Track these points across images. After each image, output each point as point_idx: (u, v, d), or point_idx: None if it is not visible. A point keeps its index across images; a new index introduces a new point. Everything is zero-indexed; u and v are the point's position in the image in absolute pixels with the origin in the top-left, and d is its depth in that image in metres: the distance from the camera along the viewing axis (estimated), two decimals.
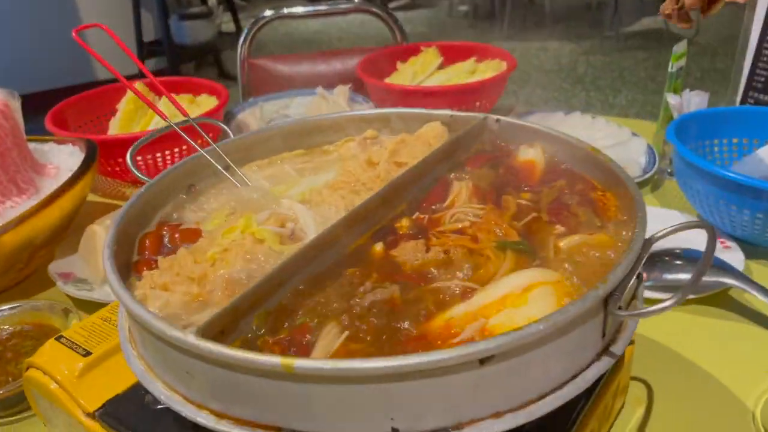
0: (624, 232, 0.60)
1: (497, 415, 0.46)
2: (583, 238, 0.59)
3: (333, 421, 0.45)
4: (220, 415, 0.48)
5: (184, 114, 0.80)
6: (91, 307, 0.97)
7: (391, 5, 7.40)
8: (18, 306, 0.92)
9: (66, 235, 1.10)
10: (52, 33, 4.74)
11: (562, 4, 6.71)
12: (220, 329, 0.50)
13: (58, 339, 0.73)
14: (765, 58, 1.23)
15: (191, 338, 0.46)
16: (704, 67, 4.74)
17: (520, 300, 0.51)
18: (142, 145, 0.75)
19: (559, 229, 0.61)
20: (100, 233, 1.01)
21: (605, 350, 0.52)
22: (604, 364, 0.50)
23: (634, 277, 0.52)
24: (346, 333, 0.49)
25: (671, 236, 0.86)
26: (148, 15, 5.27)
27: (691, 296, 0.91)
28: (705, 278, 0.90)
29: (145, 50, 5.10)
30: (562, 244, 0.58)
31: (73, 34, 0.73)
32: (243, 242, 0.60)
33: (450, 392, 0.44)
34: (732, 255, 0.97)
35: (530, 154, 0.74)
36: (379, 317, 0.51)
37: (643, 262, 0.53)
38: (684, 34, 5.15)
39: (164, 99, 1.30)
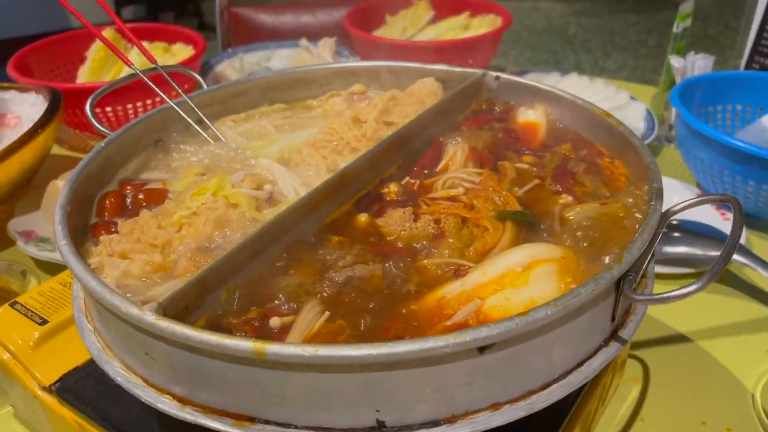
0: (633, 202, 0.55)
1: (495, 407, 0.41)
2: (592, 208, 0.53)
3: (311, 413, 0.40)
4: (183, 401, 0.43)
5: (152, 61, 0.72)
6: (53, 268, 0.90)
7: None
8: None
9: (28, 190, 1.03)
10: None
11: None
12: (183, 305, 0.44)
13: (12, 305, 0.67)
14: None
15: (150, 316, 0.40)
16: (696, 32, 4.66)
17: (520, 279, 0.45)
18: (103, 94, 0.68)
19: (566, 198, 0.56)
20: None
21: (614, 335, 0.47)
22: (613, 350, 0.46)
23: (650, 256, 0.47)
24: (327, 314, 0.44)
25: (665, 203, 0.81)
26: None
27: (690, 270, 0.86)
28: (706, 252, 0.86)
29: None
30: (570, 215, 0.53)
31: None
32: (214, 206, 0.54)
33: (443, 382, 0.39)
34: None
35: (532, 116, 0.68)
36: (362, 296, 0.46)
37: (659, 238, 0.47)
38: None
39: (137, 49, 1.21)
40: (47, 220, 0.97)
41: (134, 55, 1.26)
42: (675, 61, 1.13)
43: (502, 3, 1.49)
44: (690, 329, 0.80)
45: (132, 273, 0.49)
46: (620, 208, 0.53)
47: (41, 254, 0.90)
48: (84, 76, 1.32)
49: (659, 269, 0.85)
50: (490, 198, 0.55)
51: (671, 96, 0.99)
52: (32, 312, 0.65)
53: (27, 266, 0.84)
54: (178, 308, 0.43)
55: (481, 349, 0.38)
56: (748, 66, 1.24)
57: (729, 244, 0.44)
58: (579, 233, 0.50)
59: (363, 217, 0.54)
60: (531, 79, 0.68)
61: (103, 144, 0.60)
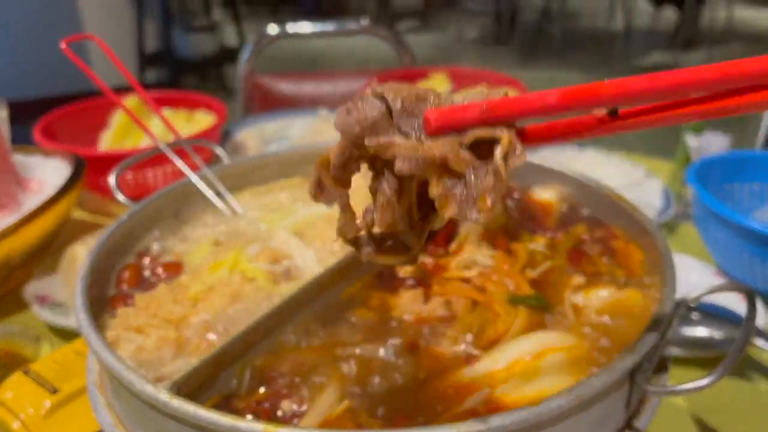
0: (648, 289, 0.55)
1: None
2: (606, 294, 0.53)
3: None
4: None
5: (176, 135, 0.74)
6: (66, 333, 0.91)
7: (399, 28, 7.41)
8: None
9: (46, 254, 1.04)
10: (52, 39, 4.71)
11: (571, 34, 6.72)
12: (197, 384, 0.44)
13: (26, 372, 0.67)
14: None
15: (163, 395, 0.40)
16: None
17: (531, 368, 0.45)
18: (127, 167, 0.70)
19: (579, 281, 0.56)
20: (82, 254, 0.95)
21: (628, 424, 0.46)
22: None
23: (664, 341, 0.46)
24: (346, 402, 0.44)
25: (682, 282, 0.81)
26: (151, 26, 5.24)
27: (708, 353, 0.85)
28: (724, 334, 0.85)
29: (145, 62, 5.07)
30: (583, 300, 0.53)
31: (63, 45, 0.68)
32: (230, 281, 0.54)
33: None
34: None
35: (545, 195, 0.68)
36: (372, 379, 0.46)
37: (673, 327, 0.47)
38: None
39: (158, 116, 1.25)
40: (64, 284, 0.98)
41: (156, 123, 1.29)
42: (691, 141, 1.14)
43: (519, 73, 1.52)
44: (705, 414, 0.78)
45: (147, 348, 0.49)
46: (634, 295, 0.53)
47: (55, 319, 0.90)
48: (106, 141, 1.36)
49: (678, 352, 0.83)
50: (502, 282, 0.55)
51: (688, 175, 1.00)
52: (45, 380, 0.65)
53: (40, 331, 0.85)
54: (192, 387, 0.43)
55: None
56: (765, 145, 1.25)
57: (742, 337, 0.43)
58: (592, 320, 0.49)
59: (375, 296, 0.55)
60: (549, 152, 0.68)
61: (125, 217, 0.61)
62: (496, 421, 0.37)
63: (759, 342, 0.81)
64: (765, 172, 1.09)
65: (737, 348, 0.43)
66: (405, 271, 0.58)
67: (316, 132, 1.40)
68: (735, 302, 0.92)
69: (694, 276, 0.98)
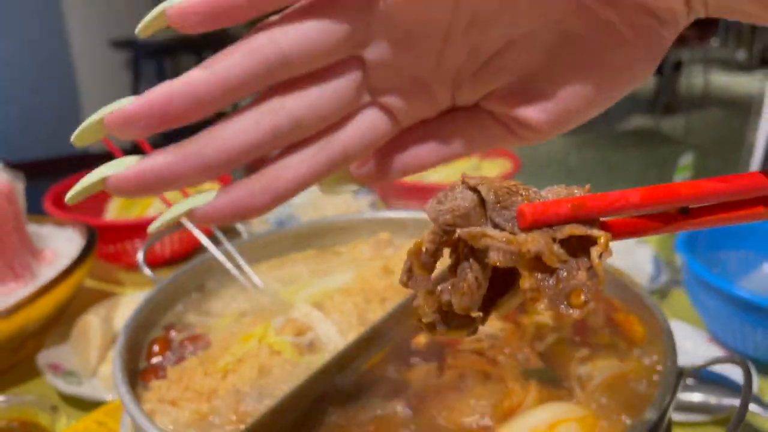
0: (649, 360, 0.58)
1: None
2: (610, 366, 0.56)
3: None
4: None
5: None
6: (78, 402, 0.92)
7: None
8: (5, 401, 0.87)
9: (58, 323, 1.06)
10: (49, 103, 4.81)
11: None
12: None
13: None
14: None
15: None
16: (696, 165, 4.83)
17: None
18: (153, 243, 0.73)
19: (583, 353, 0.59)
20: (95, 324, 0.98)
21: None
22: None
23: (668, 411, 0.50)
24: None
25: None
26: (148, 87, 5.35)
27: (704, 418, 0.88)
28: (719, 400, 0.88)
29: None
30: (589, 371, 0.56)
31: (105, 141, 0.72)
32: (258, 353, 0.58)
33: None
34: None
35: None
36: None
37: (676, 396, 0.51)
38: (673, 135, 5.31)
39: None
40: (75, 353, 1.00)
41: (168, 193, 1.34)
42: None
43: None
44: None
45: (181, 421, 0.52)
46: (637, 366, 0.56)
47: (68, 388, 0.92)
48: (114, 210, 1.39)
49: (675, 416, 0.87)
50: (513, 354, 0.58)
51: (678, 244, 1.05)
52: None
53: (55, 399, 0.87)
54: None
55: None
56: None
57: (740, 410, 0.47)
58: (598, 391, 0.53)
59: (392, 370, 0.58)
60: None
61: (154, 292, 0.65)
62: None
63: (752, 407, 0.84)
64: (751, 240, 1.15)
65: (736, 420, 0.47)
66: (418, 344, 0.62)
67: (317, 200, 1.45)
68: (728, 368, 0.96)
69: (688, 343, 1.01)
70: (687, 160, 1.24)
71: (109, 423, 0.72)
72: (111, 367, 0.92)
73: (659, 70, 6.36)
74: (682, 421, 0.87)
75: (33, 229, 1.14)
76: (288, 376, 0.57)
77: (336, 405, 0.54)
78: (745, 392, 0.49)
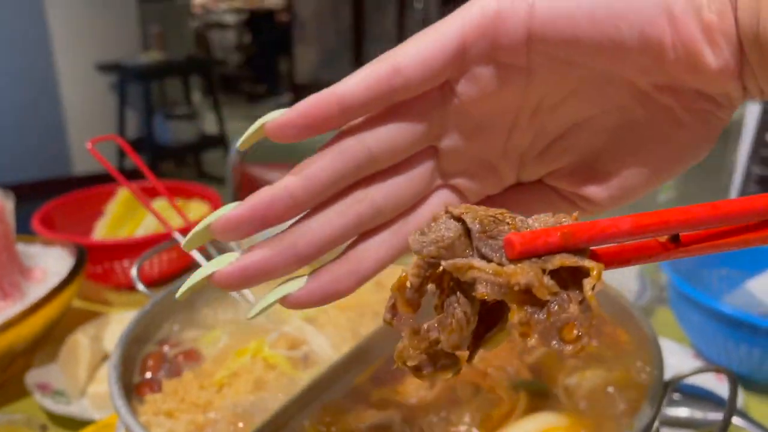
0: (639, 368, 0.60)
1: None
2: (597, 375, 0.58)
3: None
4: None
5: (188, 224, 0.79)
6: (66, 422, 0.91)
7: None
8: None
9: (46, 342, 1.06)
10: (35, 126, 4.79)
11: None
12: None
13: None
14: (752, 189, 1.28)
15: None
16: (688, 193, 4.90)
17: None
18: (147, 258, 0.74)
19: (571, 364, 0.60)
20: (84, 344, 0.98)
21: None
22: None
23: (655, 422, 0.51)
24: None
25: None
26: (133, 114, 5.37)
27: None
28: (704, 415, 0.89)
29: (125, 154, 5.15)
30: (576, 382, 0.57)
31: (89, 145, 0.73)
32: (253, 367, 0.58)
33: None
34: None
35: None
36: None
37: (663, 406, 0.52)
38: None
39: (155, 202, 1.29)
40: (64, 372, 1.00)
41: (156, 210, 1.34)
42: None
43: None
44: None
45: (177, 431, 0.52)
46: (624, 377, 0.58)
47: (57, 408, 0.92)
48: (102, 229, 1.40)
49: (662, 431, 0.88)
50: (503, 367, 0.59)
51: (662, 262, 1.07)
52: None
53: (43, 419, 0.86)
54: None
55: None
56: None
57: (725, 417, 0.48)
58: (585, 400, 0.54)
59: (384, 384, 0.59)
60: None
61: (148, 307, 0.65)
62: None
63: (736, 421, 0.86)
64: (732, 258, 1.17)
65: (721, 428, 0.48)
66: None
67: None
68: (713, 383, 0.97)
69: (673, 359, 1.03)
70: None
71: None
72: (100, 387, 0.92)
73: None
74: None
75: (21, 248, 1.14)
76: (283, 389, 0.57)
77: (331, 417, 0.54)
78: (731, 401, 0.50)
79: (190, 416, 0.54)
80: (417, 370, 0.30)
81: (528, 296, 0.27)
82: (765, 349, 0.93)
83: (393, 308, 0.30)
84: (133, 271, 0.70)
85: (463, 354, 0.29)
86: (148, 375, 0.61)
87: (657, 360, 0.55)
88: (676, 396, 0.93)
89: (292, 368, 0.59)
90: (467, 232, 0.29)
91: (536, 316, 0.27)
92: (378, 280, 0.73)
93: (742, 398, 0.95)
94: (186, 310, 0.71)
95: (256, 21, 9.33)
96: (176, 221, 1.37)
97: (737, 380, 0.52)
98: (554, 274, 0.27)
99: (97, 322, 1.05)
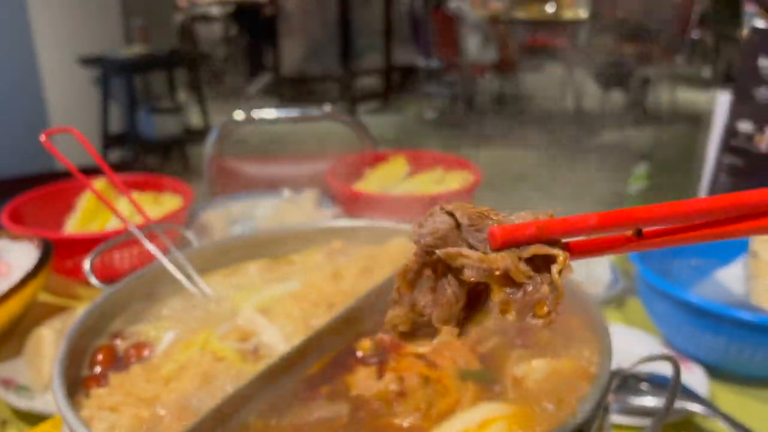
0: (589, 357, 0.59)
1: None
2: (544, 364, 0.57)
3: None
4: None
5: (146, 219, 0.78)
6: (31, 417, 0.91)
7: (361, 109, 7.64)
8: None
9: (11, 337, 1.05)
10: (16, 121, 4.75)
11: (525, 116, 7.01)
12: None
13: None
14: (721, 183, 1.29)
15: None
16: (661, 183, 4.93)
17: None
18: (100, 252, 0.73)
19: (521, 354, 0.60)
20: (48, 337, 0.97)
21: None
22: None
23: (602, 409, 0.51)
24: None
25: (631, 353, 0.87)
26: (116, 107, 5.33)
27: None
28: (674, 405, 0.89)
29: (109, 142, 5.12)
30: (524, 371, 0.57)
31: (42, 138, 0.72)
32: (201, 360, 0.58)
33: None
34: (696, 377, 0.96)
35: None
36: None
37: (609, 393, 0.52)
38: (640, 150, 5.39)
39: (126, 199, 1.28)
40: (28, 367, 0.99)
41: (122, 204, 1.33)
42: None
43: (476, 152, 1.61)
44: None
45: (120, 426, 0.52)
46: (571, 364, 0.57)
47: (20, 403, 0.91)
48: (73, 224, 1.38)
49: (625, 420, 0.88)
50: (453, 357, 0.59)
51: (632, 254, 1.07)
52: None
53: (5, 414, 0.85)
54: None
55: None
56: None
57: (667, 401, 0.48)
58: (532, 389, 0.54)
59: (334, 375, 0.58)
60: None
61: (99, 299, 0.64)
62: None
63: (701, 410, 0.86)
64: (703, 248, 1.17)
65: (663, 411, 0.48)
66: (363, 348, 0.62)
67: (282, 212, 1.45)
68: (683, 373, 0.98)
69: (640, 347, 1.03)
70: (642, 169, 1.27)
71: None
72: None
73: (626, 87, 6.49)
74: (635, 425, 0.88)
75: None
76: (232, 382, 0.56)
77: (280, 408, 0.54)
78: (673, 386, 0.50)
79: (135, 410, 0.53)
80: (405, 336, 0.38)
81: (507, 279, 0.33)
82: (730, 338, 0.93)
83: (398, 291, 0.37)
84: (86, 264, 0.70)
85: (448, 328, 0.35)
86: (97, 369, 0.60)
87: (606, 349, 0.55)
88: (643, 386, 0.93)
89: (242, 361, 0.58)
90: (458, 225, 0.35)
91: (514, 296, 0.33)
92: (336, 272, 0.72)
93: (709, 388, 0.95)
94: (140, 303, 0.70)
95: (242, 14, 9.27)
96: (152, 213, 1.37)
97: (680, 367, 0.52)
98: (529, 261, 0.33)
99: (63, 316, 1.04)
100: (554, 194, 4.79)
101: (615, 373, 0.53)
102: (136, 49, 5.27)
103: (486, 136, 6.33)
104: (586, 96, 7.01)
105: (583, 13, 7.25)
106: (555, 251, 0.33)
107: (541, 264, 0.33)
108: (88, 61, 5.10)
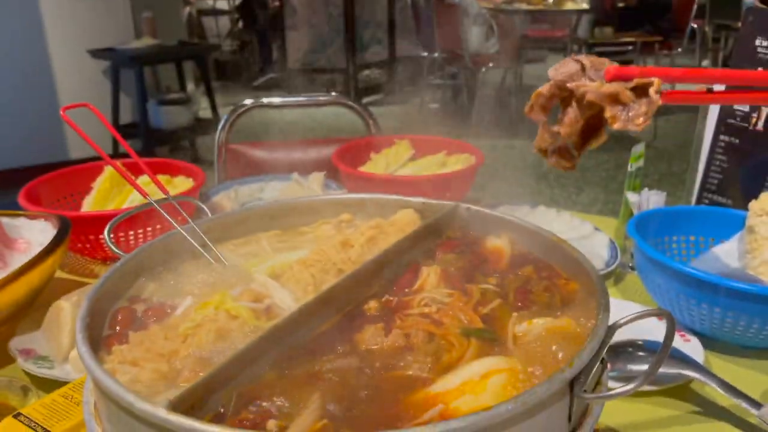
0: (586, 319, 0.62)
1: None
2: (545, 322, 0.60)
3: None
4: None
5: (165, 192, 0.81)
6: (50, 384, 0.94)
7: (365, 100, 7.67)
8: None
9: (30, 311, 1.08)
10: (30, 113, 4.80)
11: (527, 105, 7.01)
12: (190, 404, 0.50)
13: (16, 416, 0.71)
14: (717, 162, 1.31)
15: (161, 411, 0.46)
16: (662, 170, 4.95)
17: (479, 387, 0.52)
18: (121, 220, 0.77)
19: (522, 314, 0.63)
20: (67, 309, 1.00)
21: None
22: None
23: (599, 362, 0.54)
24: (324, 420, 0.50)
25: (634, 328, 0.90)
26: (127, 99, 5.38)
27: (654, 388, 0.92)
28: (667, 370, 0.92)
29: (121, 132, 5.16)
30: (524, 329, 0.60)
31: (62, 112, 0.75)
32: (216, 318, 0.61)
33: None
34: (692, 348, 0.99)
35: (498, 242, 0.76)
36: (346, 403, 0.52)
37: (606, 347, 0.55)
38: (642, 137, 5.40)
39: (141, 178, 1.32)
40: (47, 338, 1.02)
41: (141, 184, 1.37)
42: (631, 197, 1.25)
43: (479, 141, 1.64)
44: None
45: (141, 379, 0.55)
46: (570, 322, 0.60)
47: (40, 371, 0.95)
48: (89, 205, 1.42)
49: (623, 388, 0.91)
50: (457, 317, 0.62)
51: (628, 227, 1.10)
52: (35, 423, 0.70)
53: (26, 382, 0.89)
54: (185, 407, 0.49)
55: None
56: (698, 201, 1.37)
57: (661, 349, 0.51)
58: (532, 345, 0.57)
59: (344, 332, 0.61)
60: (503, 211, 0.77)
61: (118, 264, 0.68)
62: (454, 424, 0.44)
63: (692, 373, 0.89)
64: (698, 225, 1.20)
65: (657, 359, 0.51)
66: (370, 309, 0.65)
67: (289, 194, 1.48)
68: (678, 343, 1.01)
69: (639, 320, 1.06)
70: (639, 149, 1.30)
71: (75, 396, 0.74)
72: None
73: None
74: (637, 390, 0.91)
75: (6, 221, 1.16)
76: (246, 338, 0.60)
77: (293, 361, 0.57)
78: (667, 338, 0.53)
79: (155, 365, 0.56)
80: (545, 153, 0.58)
81: (616, 101, 0.47)
82: (725, 308, 0.96)
83: (531, 107, 0.53)
84: (106, 232, 0.73)
85: (578, 153, 0.54)
86: (117, 329, 0.63)
87: (603, 305, 0.57)
88: (641, 353, 0.96)
89: (255, 319, 0.61)
90: (582, 68, 0.48)
91: (620, 113, 0.47)
92: (345, 240, 0.75)
93: (704, 357, 0.98)
94: (158, 269, 0.73)
95: (250, 6, 9.30)
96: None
97: (674, 321, 0.55)
98: (633, 90, 0.47)
99: (81, 291, 1.07)
100: (556, 182, 4.81)
101: (611, 328, 0.56)
102: (146, 42, 5.31)
103: (488, 126, 6.35)
104: None
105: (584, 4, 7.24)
106: (652, 79, 0.46)
107: (641, 93, 0.46)
108: (99, 53, 5.15)
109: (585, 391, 0.51)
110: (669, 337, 0.53)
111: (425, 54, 7.09)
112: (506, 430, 0.47)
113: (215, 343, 0.59)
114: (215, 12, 10.27)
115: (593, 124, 0.50)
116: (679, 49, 6.57)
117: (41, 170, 1.48)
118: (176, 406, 0.48)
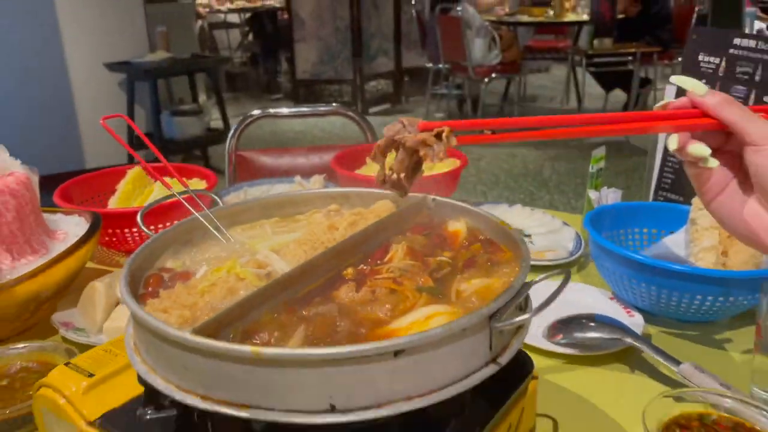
0: (512, 274, 0.79)
1: (408, 398, 0.63)
2: (482, 281, 0.77)
3: (287, 399, 0.62)
4: (204, 398, 0.64)
5: (186, 186, 0.99)
6: (87, 350, 1.11)
7: (372, 110, 7.87)
8: (26, 346, 1.07)
9: (66, 292, 1.26)
10: (49, 125, 5.02)
11: (529, 114, 7.18)
12: (207, 334, 0.67)
13: (67, 365, 0.88)
14: (670, 163, 1.47)
15: (188, 335, 0.63)
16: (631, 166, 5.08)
17: (423, 325, 0.70)
18: (151, 208, 0.94)
19: (465, 276, 0.80)
20: (101, 289, 1.18)
21: (493, 360, 0.69)
22: (490, 370, 0.68)
23: (515, 306, 0.70)
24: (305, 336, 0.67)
25: (584, 304, 1.09)
26: (141, 110, 5.60)
27: (600, 352, 1.09)
28: (610, 336, 1.09)
29: (135, 142, 5.38)
30: (465, 287, 0.77)
31: (101, 121, 0.93)
32: (227, 279, 0.78)
33: (372, 378, 0.61)
34: (635, 321, 1.16)
35: (456, 225, 0.93)
36: (325, 334, 0.69)
37: (523, 296, 0.71)
38: (641, 146, 5.55)
39: (158, 182, 1.50)
40: (83, 314, 1.20)
41: (157, 187, 1.55)
42: (592, 194, 1.42)
43: (482, 150, 1.81)
44: (597, 398, 1.01)
45: (169, 322, 0.72)
46: (500, 281, 0.77)
47: (79, 338, 1.12)
48: (113, 204, 1.61)
49: (573, 351, 1.08)
50: (414, 279, 0.79)
51: (584, 221, 1.26)
52: (82, 369, 0.87)
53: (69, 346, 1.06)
54: (204, 335, 0.66)
55: (396, 354, 0.61)
56: (655, 198, 1.53)
57: (549, 297, 0.67)
58: (469, 296, 0.74)
59: (326, 290, 0.79)
60: (485, 208, 0.94)
61: (149, 241, 0.85)
62: (396, 341, 0.61)
63: (630, 341, 1.05)
64: (652, 219, 1.37)
65: (545, 303, 0.67)
66: (348, 274, 0.82)
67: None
68: (623, 316, 1.17)
69: (591, 299, 1.23)
70: (600, 152, 1.46)
71: (113, 350, 0.91)
72: (114, 323, 1.12)
73: (627, 87, 6.64)
74: (581, 355, 1.08)
75: (46, 216, 1.34)
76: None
77: (287, 308, 0.74)
78: (557, 290, 0.69)
79: (180, 312, 0.74)
80: (384, 184, 0.76)
81: (426, 144, 0.69)
82: (659, 286, 1.12)
83: (374, 155, 0.74)
84: (139, 216, 0.91)
85: (408, 183, 0.75)
86: (150, 289, 0.81)
87: (524, 266, 0.74)
88: (591, 323, 1.12)
89: (258, 281, 0.79)
90: (404, 126, 0.71)
91: (429, 152, 0.70)
92: (331, 224, 0.93)
93: (644, 329, 1.15)
94: (180, 246, 0.91)
95: (260, 20, 9.55)
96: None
97: (570, 274, 0.71)
98: (436, 136, 0.69)
99: (111, 274, 1.25)
100: (556, 188, 4.98)
101: (528, 284, 0.73)
102: (159, 55, 5.54)
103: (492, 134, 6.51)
104: (589, 97, 7.20)
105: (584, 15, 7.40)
106: (444, 127, 0.69)
107: (439, 137, 0.70)
108: (115, 66, 5.38)
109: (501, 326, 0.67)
110: (560, 288, 0.70)
111: (430, 65, 7.30)
112: (439, 348, 0.63)
113: (226, 298, 0.76)
114: (227, 25, 10.51)
115: (417, 161, 0.73)
116: (679, 59, 6.72)
117: (65, 177, 1.67)
118: (198, 332, 0.65)
